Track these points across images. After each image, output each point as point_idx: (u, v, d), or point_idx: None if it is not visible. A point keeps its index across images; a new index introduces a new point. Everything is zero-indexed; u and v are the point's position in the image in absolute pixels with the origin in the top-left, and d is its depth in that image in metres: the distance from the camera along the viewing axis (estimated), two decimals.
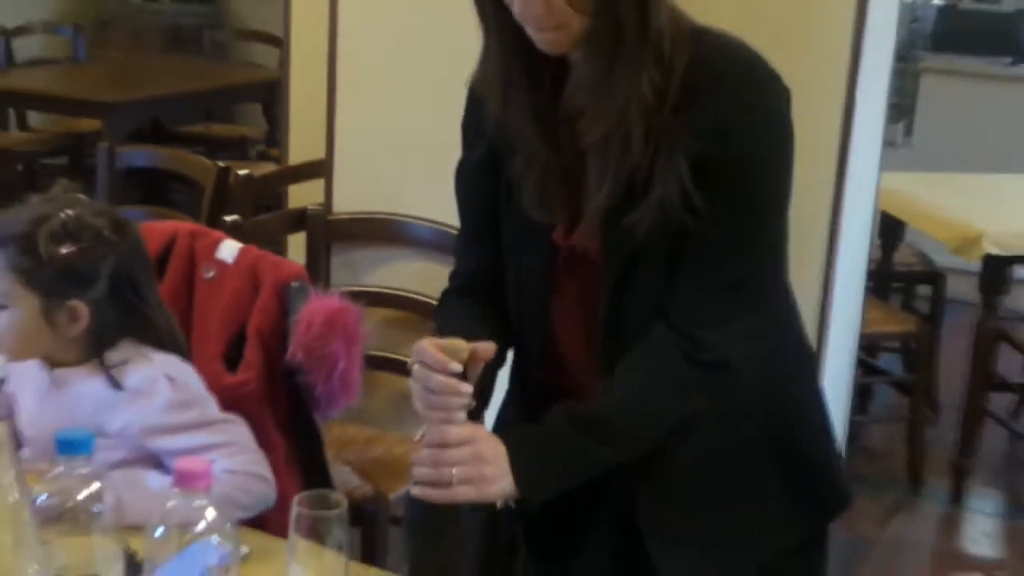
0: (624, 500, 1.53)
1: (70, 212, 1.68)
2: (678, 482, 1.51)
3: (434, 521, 1.39)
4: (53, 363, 1.73)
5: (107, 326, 1.70)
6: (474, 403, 1.42)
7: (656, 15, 1.36)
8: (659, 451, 1.48)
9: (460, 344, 1.40)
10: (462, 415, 1.39)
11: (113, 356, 1.71)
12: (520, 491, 1.40)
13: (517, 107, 1.45)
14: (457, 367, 1.37)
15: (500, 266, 1.59)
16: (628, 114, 1.36)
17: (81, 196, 1.80)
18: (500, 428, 1.56)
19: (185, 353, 1.79)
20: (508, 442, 1.41)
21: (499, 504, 1.41)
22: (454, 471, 1.35)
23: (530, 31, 1.38)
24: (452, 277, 1.71)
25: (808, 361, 1.68)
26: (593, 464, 1.46)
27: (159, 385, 1.69)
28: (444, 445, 1.37)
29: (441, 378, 1.37)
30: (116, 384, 1.69)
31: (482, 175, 1.57)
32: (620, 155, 1.38)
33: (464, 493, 1.36)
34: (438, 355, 1.37)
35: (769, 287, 1.49)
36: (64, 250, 1.65)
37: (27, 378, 1.75)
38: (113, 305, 1.70)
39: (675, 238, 1.40)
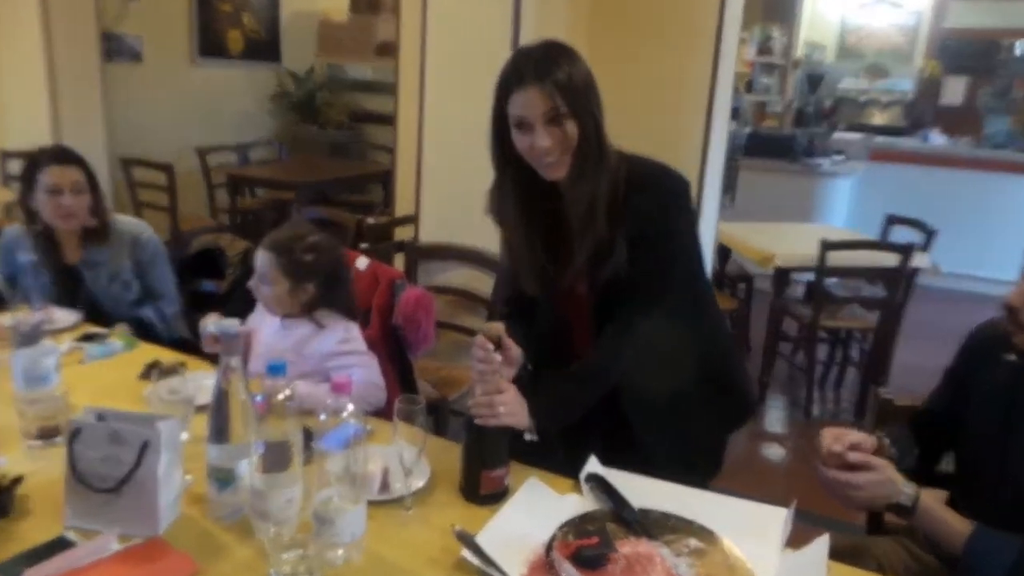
0: (612, 406, 1.44)
1: (315, 237, 1.69)
2: (650, 389, 1.45)
3: (484, 434, 1.30)
4: (283, 315, 1.72)
5: (319, 298, 1.70)
6: (508, 371, 1.35)
7: (607, 144, 1.31)
8: (637, 378, 1.41)
9: (496, 327, 1.34)
10: (497, 377, 1.31)
11: (318, 315, 1.70)
12: (537, 422, 1.32)
13: (520, 220, 1.39)
14: (491, 346, 1.31)
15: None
16: (596, 203, 1.30)
17: (308, 224, 1.79)
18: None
19: (355, 316, 1.77)
20: (527, 395, 1.33)
21: (526, 436, 1.32)
22: (501, 408, 1.28)
23: (536, 164, 1.31)
24: (503, 302, 1.62)
25: (721, 323, 1.60)
26: (576, 403, 1.37)
27: (339, 329, 1.69)
28: (497, 392, 1.30)
29: (484, 355, 1.30)
30: (320, 326, 1.69)
31: None
32: (592, 233, 1.33)
33: (507, 420, 1.28)
34: (481, 340, 1.31)
35: (681, 294, 1.41)
36: (309, 257, 1.67)
37: (267, 322, 1.75)
38: (325, 287, 1.69)
39: (627, 276, 1.34)
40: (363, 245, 2.68)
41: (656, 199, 1.33)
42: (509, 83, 1.30)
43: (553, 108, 1.26)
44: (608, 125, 1.32)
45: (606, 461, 1.36)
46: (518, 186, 1.37)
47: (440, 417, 2.36)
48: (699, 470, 1.50)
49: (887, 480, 1.24)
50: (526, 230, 1.40)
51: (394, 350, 2.00)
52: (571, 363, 1.41)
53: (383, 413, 1.64)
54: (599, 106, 1.30)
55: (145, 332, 2.16)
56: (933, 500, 1.25)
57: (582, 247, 1.35)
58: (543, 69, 1.26)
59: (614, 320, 1.38)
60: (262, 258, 1.68)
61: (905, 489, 1.24)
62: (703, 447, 1.54)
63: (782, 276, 3.51)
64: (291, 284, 1.67)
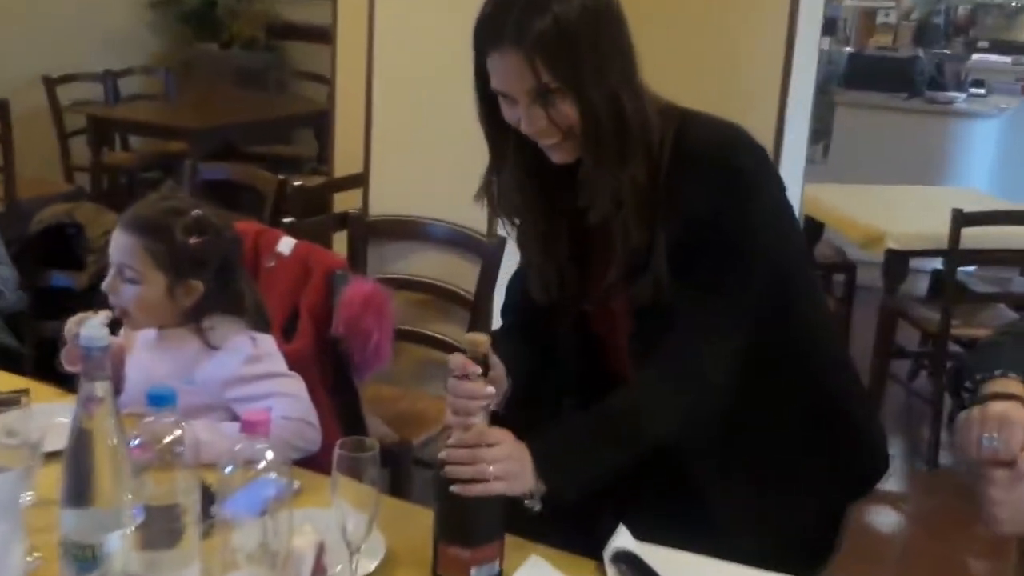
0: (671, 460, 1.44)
1: (199, 211, 1.70)
2: (723, 448, 1.45)
3: (461, 501, 1.28)
4: (158, 326, 1.74)
5: (209, 300, 1.71)
6: (493, 405, 1.34)
7: (634, 116, 1.30)
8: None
9: (479, 338, 1.33)
10: (480, 417, 1.30)
11: (207, 323, 1.71)
12: (548, 487, 1.31)
13: (531, 215, 1.41)
14: (477, 369, 1.29)
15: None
16: (623, 203, 1.31)
17: (184, 194, 1.81)
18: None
19: (267, 322, 1.79)
20: (530, 443, 1.32)
21: (526, 503, 1.31)
22: (491, 468, 1.26)
23: (542, 145, 1.33)
24: (503, 310, 1.63)
25: (836, 347, 1.59)
26: (606, 461, 1.37)
27: (243, 343, 1.70)
28: (481, 443, 1.27)
29: (466, 385, 1.29)
30: (209, 344, 1.70)
31: None
32: (624, 243, 1.33)
33: (498, 487, 1.26)
34: (461, 361, 1.29)
35: (768, 311, 1.39)
36: (193, 240, 1.67)
37: (140, 334, 1.76)
38: (216, 284, 1.71)
39: (678, 291, 1.34)
40: (287, 219, 2.67)
41: (716, 183, 1.33)
42: (484, 37, 1.31)
43: (538, 84, 1.26)
44: (646, 60, 1.33)
45: (648, 530, 1.36)
46: (521, 169, 1.38)
47: (400, 469, 2.37)
48: (802, 558, 1.47)
49: None
50: (542, 229, 1.41)
51: (333, 372, 2.01)
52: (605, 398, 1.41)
53: (317, 463, 1.64)
54: (618, 60, 1.29)
55: None
56: None
57: (613, 262, 1.36)
58: (525, 21, 1.25)
59: (663, 350, 1.38)
60: (123, 243, 1.67)
61: None
62: (808, 525, 1.53)
63: (897, 263, 3.54)
64: (169, 281, 1.67)
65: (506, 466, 1.28)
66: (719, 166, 1.33)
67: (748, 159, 1.36)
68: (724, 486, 1.47)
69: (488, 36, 1.31)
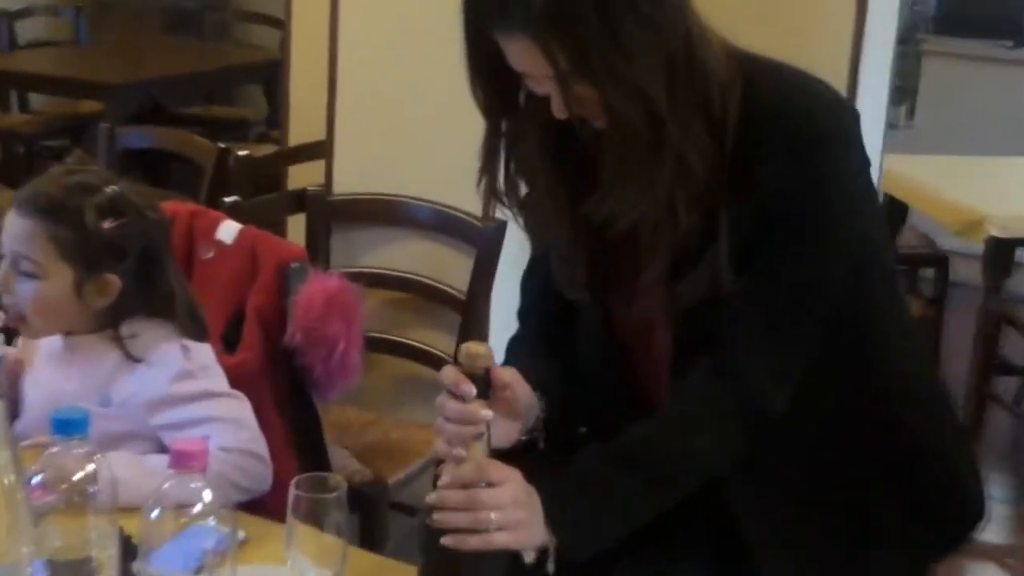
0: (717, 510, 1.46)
1: (115, 188, 1.70)
2: (780, 489, 1.45)
3: (454, 556, 1.27)
4: (64, 333, 1.74)
5: (129, 299, 1.71)
6: (506, 430, 1.35)
7: (702, 65, 1.29)
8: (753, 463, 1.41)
9: (479, 350, 1.31)
10: (479, 447, 1.29)
11: (127, 329, 1.71)
12: (559, 540, 1.30)
13: (549, 190, 1.40)
14: (471, 390, 1.28)
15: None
16: (658, 214, 1.30)
17: (97, 167, 1.80)
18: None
19: (203, 328, 1.79)
20: (540, 485, 1.31)
21: (526, 558, 1.30)
22: (493, 515, 1.24)
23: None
24: (519, 314, 1.63)
25: (928, 367, 1.59)
26: (629, 507, 1.37)
27: (172, 355, 1.70)
28: (480, 483, 1.26)
29: (455, 405, 1.28)
30: (130, 356, 1.70)
31: None
32: (670, 227, 1.32)
33: (502, 540, 1.25)
34: (454, 375, 1.29)
35: (838, 315, 1.40)
36: (108, 224, 1.67)
37: (41, 345, 1.77)
38: (137, 280, 1.71)
39: (733, 296, 1.34)
40: (229, 198, 2.67)
41: (797, 152, 1.32)
42: (485, 12, 1.29)
43: (556, 71, 1.26)
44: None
45: None
46: (534, 137, 1.38)
47: (372, 514, 2.37)
48: None
49: None
50: (562, 204, 1.40)
51: (287, 391, 2.01)
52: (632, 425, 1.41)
53: (267, 506, 1.63)
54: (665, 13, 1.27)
55: None
56: None
57: (655, 255, 1.35)
58: None
59: (711, 369, 1.38)
60: (19, 229, 1.67)
61: None
62: None
63: (1001, 254, 3.53)
64: (77, 275, 1.68)
65: (511, 514, 1.27)
66: (802, 131, 1.33)
67: (839, 123, 1.36)
68: (774, 539, 1.46)
69: (492, 7, 1.28)
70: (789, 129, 1.33)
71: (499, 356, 1.42)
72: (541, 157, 1.39)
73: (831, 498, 1.47)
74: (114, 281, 1.69)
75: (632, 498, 1.37)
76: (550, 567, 1.31)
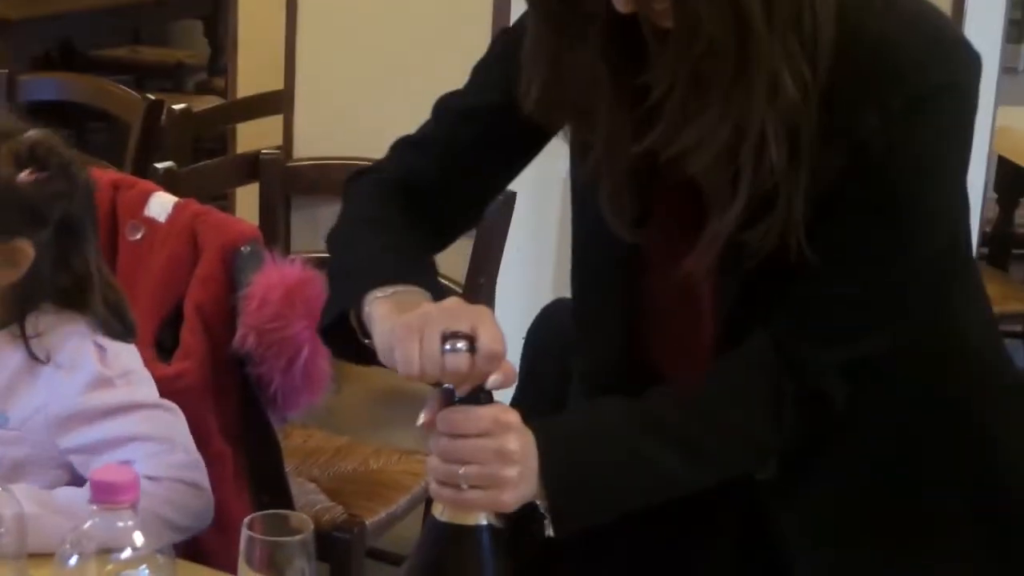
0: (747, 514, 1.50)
1: (37, 134, 1.70)
2: (832, 487, 1.49)
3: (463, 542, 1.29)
4: None
5: (37, 281, 1.70)
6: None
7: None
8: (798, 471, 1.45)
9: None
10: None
11: (32, 320, 1.70)
12: (548, 503, 1.33)
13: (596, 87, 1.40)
14: (464, 351, 1.26)
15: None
16: (740, 159, 1.32)
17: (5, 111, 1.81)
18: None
19: (129, 327, 1.77)
20: (539, 434, 1.32)
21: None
22: (461, 470, 1.26)
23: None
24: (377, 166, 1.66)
25: (1005, 381, 1.60)
26: (649, 475, 1.41)
27: (84, 356, 1.69)
28: (461, 432, 1.28)
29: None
30: (35, 355, 1.69)
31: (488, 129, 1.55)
32: (754, 168, 1.33)
33: (474, 499, 1.27)
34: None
35: (921, 300, 1.44)
36: (25, 177, 1.66)
37: None
38: (50, 256, 1.70)
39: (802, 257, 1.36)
40: (162, 164, 2.68)
41: (905, 99, 1.33)
42: None
43: None
44: None
45: None
46: (596, 44, 1.37)
47: (346, 563, 2.38)
48: None
49: None
50: (623, 133, 1.40)
51: (237, 408, 2.02)
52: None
53: (213, 552, 1.66)
54: None
55: None
56: None
57: (721, 214, 1.37)
58: None
59: (764, 341, 1.42)
60: None
61: None
62: None
63: None
64: None
65: (491, 469, 1.28)
66: (917, 79, 1.34)
67: (964, 73, 1.37)
68: (813, 536, 1.51)
69: None
70: (899, 72, 1.34)
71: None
72: (603, 69, 1.39)
73: (888, 502, 1.51)
74: (26, 250, 1.67)
75: (657, 465, 1.40)
76: (548, 529, 1.34)
